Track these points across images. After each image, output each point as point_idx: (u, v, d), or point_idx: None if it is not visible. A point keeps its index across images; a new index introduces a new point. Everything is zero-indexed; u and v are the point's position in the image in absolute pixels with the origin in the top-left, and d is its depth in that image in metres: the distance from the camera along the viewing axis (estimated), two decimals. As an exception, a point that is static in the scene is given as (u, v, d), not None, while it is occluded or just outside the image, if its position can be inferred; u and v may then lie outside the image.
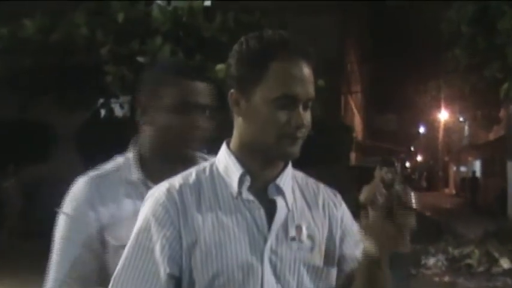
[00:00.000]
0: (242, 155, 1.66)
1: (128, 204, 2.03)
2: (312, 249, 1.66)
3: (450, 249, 13.71)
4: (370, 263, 1.65)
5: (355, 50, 39.44)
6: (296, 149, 1.63)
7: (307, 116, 1.63)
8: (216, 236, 1.59)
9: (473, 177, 36.28)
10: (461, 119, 41.71)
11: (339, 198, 1.81)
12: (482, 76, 15.20)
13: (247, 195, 1.63)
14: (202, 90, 2.11)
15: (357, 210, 1.89)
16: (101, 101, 18.04)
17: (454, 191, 49.87)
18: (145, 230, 1.62)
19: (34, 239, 15.01)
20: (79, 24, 14.66)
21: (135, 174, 2.08)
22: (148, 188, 1.83)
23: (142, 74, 2.26)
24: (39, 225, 16.07)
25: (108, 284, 1.64)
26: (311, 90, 1.63)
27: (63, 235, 2.08)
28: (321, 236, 1.70)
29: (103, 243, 2.00)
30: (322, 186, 1.80)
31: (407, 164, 69.45)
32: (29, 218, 16.09)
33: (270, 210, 1.64)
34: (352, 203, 1.88)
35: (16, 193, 15.78)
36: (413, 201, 7.28)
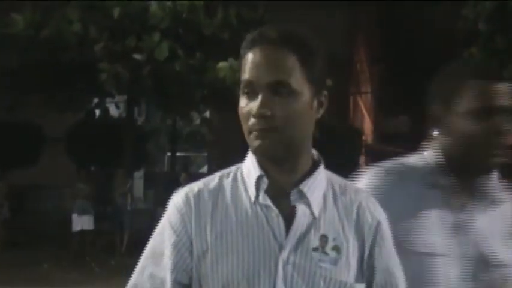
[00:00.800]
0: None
1: (433, 208, 2.03)
2: (336, 261, 1.60)
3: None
4: None
5: (365, 48, 39.48)
6: (262, 143, 1.57)
7: (272, 103, 1.56)
8: (229, 243, 1.59)
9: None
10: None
11: (378, 208, 1.73)
12: (501, 77, 15.16)
13: (264, 199, 1.61)
14: (503, 91, 2.02)
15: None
16: (95, 100, 18.05)
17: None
18: (160, 234, 1.67)
19: (18, 249, 15.10)
20: (71, 19, 14.65)
21: (444, 180, 2.06)
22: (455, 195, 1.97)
23: (436, 80, 2.14)
24: (24, 235, 16.18)
25: None
26: (273, 73, 1.56)
27: None
28: (350, 249, 1.64)
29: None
30: (364, 194, 1.74)
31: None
32: (14, 227, 16.09)
33: (291, 217, 1.60)
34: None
35: (3, 199, 15.76)
36: None
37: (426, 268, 1.75)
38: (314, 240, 1.60)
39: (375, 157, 38.68)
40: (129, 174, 16.38)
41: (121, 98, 17.79)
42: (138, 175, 24.52)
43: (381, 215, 1.71)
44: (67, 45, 14.52)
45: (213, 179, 1.69)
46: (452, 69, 2.10)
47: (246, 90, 1.60)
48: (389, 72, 46.21)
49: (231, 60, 14.05)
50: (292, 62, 1.57)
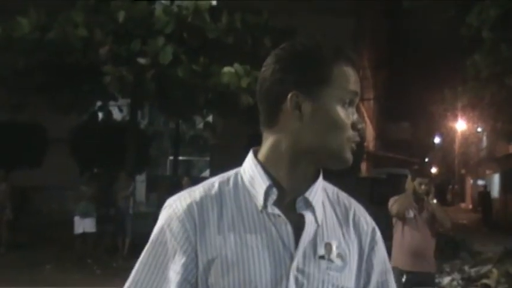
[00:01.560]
0: (270, 166, 1.63)
1: None
2: (342, 269, 1.62)
3: (466, 268, 13.66)
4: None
5: (368, 54, 39.49)
6: (351, 156, 1.65)
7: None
8: (238, 253, 1.56)
9: (485, 192, 36.12)
10: (479, 129, 41.72)
11: (368, 215, 1.76)
12: (503, 85, 15.15)
13: (272, 209, 1.59)
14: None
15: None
16: (99, 103, 18.09)
17: (470, 206, 49.81)
18: (161, 243, 1.61)
19: (21, 250, 15.11)
20: (77, 22, 14.69)
21: None
22: None
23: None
24: (27, 236, 16.19)
25: None
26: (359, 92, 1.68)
27: None
28: (352, 255, 1.66)
29: None
30: (353, 201, 1.76)
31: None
32: (17, 228, 16.11)
33: (298, 225, 1.60)
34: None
35: (7, 200, 15.76)
36: (446, 215, 7.26)
37: None
38: (320, 248, 1.61)
39: (376, 163, 38.72)
40: (131, 177, 16.40)
41: (124, 101, 17.82)
42: (141, 178, 24.50)
43: (373, 222, 1.75)
44: (72, 48, 14.54)
45: (213, 185, 1.65)
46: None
47: (348, 101, 1.62)
48: (392, 80, 46.24)
49: (236, 65, 14.05)
50: None
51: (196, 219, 1.59)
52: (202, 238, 1.58)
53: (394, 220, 7.09)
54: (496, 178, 39.20)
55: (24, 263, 13.28)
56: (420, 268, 6.53)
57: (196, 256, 1.57)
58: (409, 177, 7.25)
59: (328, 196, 1.71)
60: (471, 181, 54.22)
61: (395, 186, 13.15)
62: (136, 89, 15.33)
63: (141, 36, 14.87)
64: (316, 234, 1.62)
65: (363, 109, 36.92)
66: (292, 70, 1.61)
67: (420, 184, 6.99)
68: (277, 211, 1.59)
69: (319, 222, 1.63)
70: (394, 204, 6.91)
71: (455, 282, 12.83)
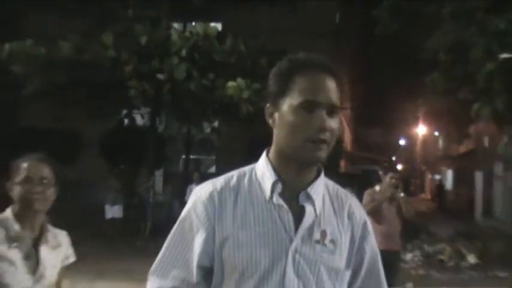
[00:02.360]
0: (278, 164, 1.65)
1: None
2: (333, 252, 1.64)
3: (425, 246, 13.71)
4: None
5: (347, 72, 39.46)
6: (319, 153, 1.59)
7: (331, 122, 1.59)
8: (247, 234, 1.60)
9: (440, 185, 36.48)
10: (436, 133, 41.77)
11: (362, 209, 1.78)
12: (457, 98, 15.19)
13: (277, 200, 1.62)
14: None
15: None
16: (125, 112, 18.07)
17: (429, 196, 49.79)
18: (188, 221, 1.67)
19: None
20: (107, 45, 14.69)
21: None
22: None
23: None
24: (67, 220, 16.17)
25: None
26: (333, 98, 1.59)
27: None
28: (344, 241, 1.68)
29: None
30: (350, 196, 1.77)
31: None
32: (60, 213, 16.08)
33: (299, 215, 1.62)
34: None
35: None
36: (410, 206, 7.24)
37: None
38: (316, 234, 1.63)
39: (353, 161, 38.69)
40: (151, 172, 16.42)
41: (145, 110, 17.77)
42: (159, 173, 24.44)
43: (365, 215, 1.77)
44: (103, 66, 14.55)
45: (232, 178, 1.69)
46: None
47: (303, 107, 1.58)
48: (367, 92, 46.21)
49: (238, 80, 14.08)
50: (337, 88, 1.62)
51: (216, 205, 1.63)
52: (219, 220, 1.62)
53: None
54: (450, 173, 39.32)
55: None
56: (390, 247, 6.53)
57: (214, 234, 1.62)
58: (385, 178, 7.17)
59: (328, 191, 1.72)
60: (430, 176, 54.26)
61: (367, 180, 13.23)
62: (156, 100, 15.40)
63: (159, 56, 14.88)
64: (314, 222, 1.64)
65: (341, 116, 36.89)
66: (269, 87, 1.66)
67: (391, 178, 7.00)
68: (281, 202, 1.62)
69: (318, 213, 1.65)
70: (369, 204, 6.79)
71: (416, 258, 12.89)
